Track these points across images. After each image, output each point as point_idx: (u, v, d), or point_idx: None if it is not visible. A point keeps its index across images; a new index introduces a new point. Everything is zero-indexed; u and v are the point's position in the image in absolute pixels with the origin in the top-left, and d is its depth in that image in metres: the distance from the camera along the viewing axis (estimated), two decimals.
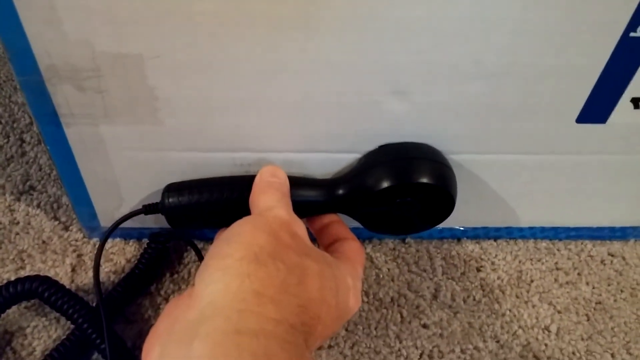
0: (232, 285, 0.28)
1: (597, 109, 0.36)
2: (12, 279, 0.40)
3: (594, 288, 0.45)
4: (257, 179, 0.36)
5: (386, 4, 0.30)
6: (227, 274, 0.28)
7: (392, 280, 0.44)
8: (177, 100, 0.35)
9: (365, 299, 0.42)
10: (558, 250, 0.47)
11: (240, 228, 0.31)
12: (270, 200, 0.34)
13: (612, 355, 0.41)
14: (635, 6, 0.30)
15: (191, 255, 0.44)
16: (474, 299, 0.43)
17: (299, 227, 0.33)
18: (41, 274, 0.41)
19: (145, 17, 0.30)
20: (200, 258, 0.42)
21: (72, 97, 0.34)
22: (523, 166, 0.40)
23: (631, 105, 0.36)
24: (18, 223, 0.45)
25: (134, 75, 0.33)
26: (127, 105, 0.35)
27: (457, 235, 0.46)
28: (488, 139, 0.38)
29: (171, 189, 0.38)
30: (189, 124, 0.36)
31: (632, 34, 0.32)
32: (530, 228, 0.46)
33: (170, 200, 0.37)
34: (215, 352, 0.25)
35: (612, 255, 0.47)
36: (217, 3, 0.30)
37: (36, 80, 0.33)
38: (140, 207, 0.39)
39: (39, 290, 0.37)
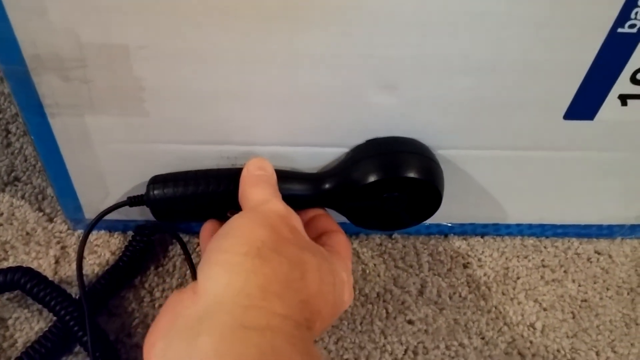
0: (237, 281, 0.28)
1: (584, 105, 0.36)
2: None
3: (580, 286, 0.45)
4: (244, 172, 0.35)
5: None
6: (231, 270, 0.28)
7: (378, 275, 0.44)
8: (163, 92, 0.34)
9: None
10: (545, 247, 0.47)
11: (240, 223, 0.31)
12: (262, 193, 0.34)
13: (597, 354, 0.41)
14: (622, 1, 0.30)
15: (176, 248, 0.43)
16: (460, 296, 0.43)
17: (297, 220, 0.33)
18: (24, 265, 0.41)
19: (131, 6, 0.30)
20: (186, 251, 0.41)
21: (57, 88, 0.34)
22: (510, 162, 0.40)
23: (619, 102, 0.36)
24: (2, 214, 0.44)
25: (120, 66, 0.33)
26: (112, 96, 0.35)
27: (444, 232, 0.46)
28: (475, 135, 0.38)
29: (156, 180, 0.37)
30: (175, 116, 0.36)
31: (619, 30, 0.32)
32: (518, 225, 0.46)
33: (155, 192, 0.37)
34: (221, 347, 0.25)
35: (599, 253, 0.47)
36: None
37: (21, 69, 0.33)
38: (125, 199, 0.38)
39: (22, 282, 0.37)
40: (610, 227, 0.47)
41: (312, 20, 0.31)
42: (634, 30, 0.32)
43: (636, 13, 0.31)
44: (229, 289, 0.28)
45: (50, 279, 0.38)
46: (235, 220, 0.31)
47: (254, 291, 0.27)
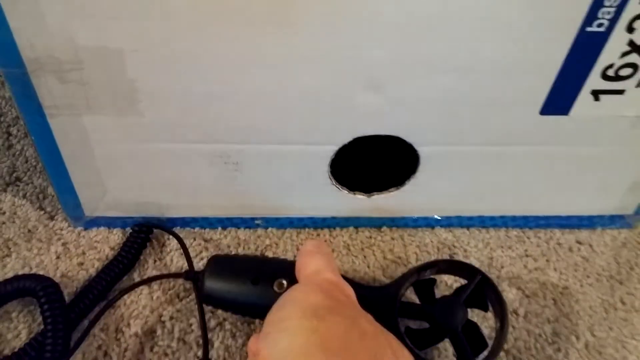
0: (297, 342, 0.28)
1: (559, 101, 0.38)
2: None
3: (561, 274, 0.47)
4: (301, 249, 0.36)
5: (359, 1, 0.32)
6: (290, 333, 0.29)
7: (368, 266, 0.45)
8: (157, 93, 0.36)
9: None
10: (528, 238, 0.48)
11: (294, 294, 0.32)
12: (316, 264, 0.34)
13: (577, 337, 0.43)
14: (590, 2, 0.32)
15: (173, 243, 0.45)
16: (446, 284, 0.45)
17: (350, 289, 0.34)
18: (27, 262, 0.43)
19: (125, 11, 0.32)
20: (183, 246, 0.43)
21: (55, 89, 0.36)
22: (491, 157, 0.42)
23: (592, 97, 0.38)
24: (4, 213, 0.46)
25: (115, 68, 0.35)
26: (108, 97, 0.36)
27: (431, 224, 0.48)
28: (457, 131, 0.40)
29: (213, 271, 0.38)
30: (168, 116, 0.38)
31: (588, 29, 0.33)
32: (502, 217, 0.48)
33: (212, 286, 0.38)
34: None
35: (580, 243, 0.49)
36: (191, 1, 0.31)
37: (20, 72, 0.34)
38: (122, 197, 0.40)
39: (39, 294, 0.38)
40: (590, 217, 0.48)
41: (300, 24, 0.33)
42: (602, 29, 0.33)
43: (603, 13, 0.33)
44: (291, 351, 0.28)
45: (52, 274, 0.40)
46: (288, 293, 0.32)
47: (315, 350, 0.28)
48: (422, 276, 0.40)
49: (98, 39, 0.33)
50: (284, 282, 0.37)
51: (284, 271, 0.37)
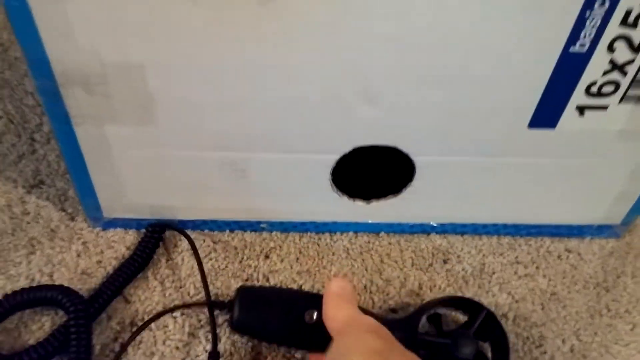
0: None
1: (546, 115, 0.41)
2: (24, 262, 0.46)
3: (550, 280, 0.49)
4: (326, 295, 0.37)
5: (357, 21, 0.35)
6: None
7: (366, 269, 0.48)
8: (172, 104, 0.39)
9: None
10: (519, 245, 0.51)
11: (345, 342, 0.33)
12: (349, 309, 0.35)
13: (563, 341, 0.46)
14: (572, 25, 0.35)
15: (184, 244, 0.48)
16: (440, 288, 0.48)
17: (384, 328, 0.35)
18: (50, 259, 0.46)
19: (145, 30, 0.35)
20: (193, 246, 0.46)
21: (82, 101, 0.39)
22: (483, 167, 0.45)
23: (577, 113, 0.41)
24: (29, 213, 0.50)
25: (136, 81, 0.38)
26: (129, 108, 0.40)
27: (426, 231, 0.51)
28: (450, 143, 0.43)
29: (244, 302, 0.41)
30: (181, 125, 0.41)
31: (571, 49, 0.36)
32: (494, 224, 0.51)
33: (243, 316, 0.41)
34: None
35: (569, 251, 0.51)
36: (205, 20, 0.35)
37: (51, 85, 0.38)
38: (137, 200, 0.43)
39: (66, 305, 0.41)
40: (579, 227, 0.51)
41: (302, 42, 0.36)
42: (584, 49, 0.36)
43: (585, 34, 0.36)
44: None
45: (73, 271, 0.43)
46: (338, 343, 0.33)
47: None
48: (435, 310, 0.44)
49: (121, 55, 0.37)
50: (314, 313, 0.40)
51: (313, 303, 0.40)
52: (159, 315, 0.43)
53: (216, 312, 0.44)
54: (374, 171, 0.47)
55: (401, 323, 0.43)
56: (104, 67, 0.37)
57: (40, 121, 0.57)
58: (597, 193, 0.48)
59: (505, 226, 0.51)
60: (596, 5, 0.34)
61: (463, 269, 0.49)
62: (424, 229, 0.51)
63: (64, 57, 0.37)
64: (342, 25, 0.35)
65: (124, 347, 0.41)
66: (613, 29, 0.35)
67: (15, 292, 0.41)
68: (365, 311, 0.38)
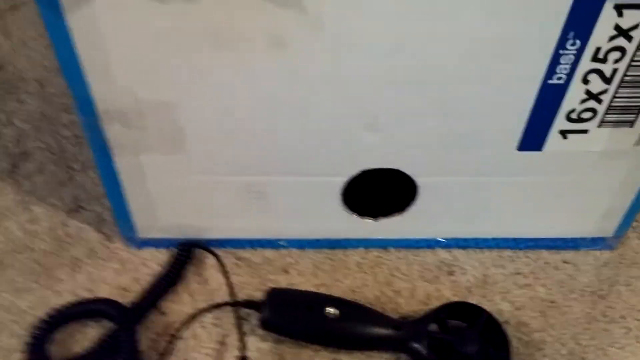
0: None
1: (533, 139, 0.45)
2: (68, 280, 0.51)
3: (548, 289, 0.53)
4: None
5: (361, 62, 0.40)
6: None
7: (377, 282, 0.53)
8: (200, 135, 0.45)
9: (353, 297, 0.51)
10: (519, 257, 0.55)
11: None
12: None
13: (562, 344, 0.49)
14: (548, 62, 0.40)
15: (211, 260, 0.53)
16: (446, 298, 0.52)
17: None
18: (92, 277, 0.51)
19: (174, 73, 0.41)
20: (220, 262, 0.51)
21: (120, 134, 0.44)
22: (479, 186, 0.49)
23: (560, 136, 0.45)
24: (71, 235, 0.55)
25: (168, 116, 0.43)
26: (162, 139, 0.45)
27: (432, 245, 0.55)
28: (448, 165, 0.47)
29: (272, 302, 0.47)
30: (206, 153, 0.46)
31: (549, 81, 0.41)
32: (494, 239, 0.55)
33: (272, 314, 0.46)
34: None
35: (566, 262, 0.55)
36: (226, 63, 0.40)
37: (94, 120, 0.43)
38: (169, 221, 0.49)
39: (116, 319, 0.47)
40: (574, 239, 0.55)
41: (312, 79, 0.41)
42: (562, 81, 0.41)
43: (560, 69, 0.40)
44: None
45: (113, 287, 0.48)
46: None
47: None
48: (442, 313, 0.48)
49: (155, 93, 0.42)
50: (333, 310, 0.46)
51: (333, 302, 0.46)
52: (194, 315, 0.48)
53: (243, 320, 0.48)
54: (382, 191, 0.52)
55: (412, 324, 0.47)
56: (139, 104, 0.42)
57: (77, 151, 0.63)
58: (587, 208, 0.52)
59: (505, 240, 0.55)
60: (568, 45, 0.38)
61: (467, 280, 0.53)
62: (430, 244, 0.55)
63: (105, 97, 0.42)
64: (345, 66, 0.40)
65: (164, 354, 0.46)
66: (585, 63, 0.40)
67: (68, 305, 0.46)
68: (381, 314, 0.43)
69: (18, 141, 0.63)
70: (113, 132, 0.44)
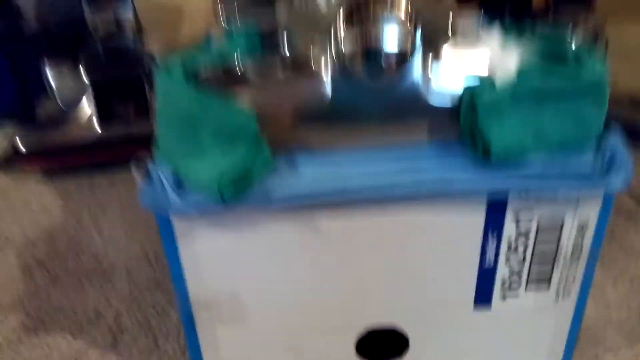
0: None
1: (482, 302, 0.66)
2: None
3: None
4: None
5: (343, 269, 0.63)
6: None
7: None
8: (260, 313, 0.66)
9: None
10: None
11: None
12: None
13: None
14: (479, 250, 0.62)
15: None
16: None
17: None
18: None
19: (247, 276, 0.64)
20: None
21: (212, 316, 0.66)
22: (457, 337, 0.69)
23: (501, 299, 0.66)
24: None
25: (239, 307, 0.65)
26: (232, 318, 0.67)
27: None
28: (427, 326, 0.68)
29: None
30: (261, 325, 0.67)
31: (484, 267, 0.63)
32: None
33: None
34: None
35: None
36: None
37: (189, 311, 0.66)
38: None
39: None
40: None
41: (315, 284, 0.64)
42: (491, 266, 0.63)
43: (487, 260, 0.62)
44: None
45: None
46: None
47: None
48: None
49: (229, 288, 0.65)
50: None
51: None
52: None
53: None
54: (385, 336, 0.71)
55: None
56: (217, 295, 0.65)
57: (156, 322, 0.84)
58: (535, 353, 0.71)
59: None
60: (489, 242, 0.61)
61: None
62: None
63: (197, 291, 0.65)
64: (335, 275, 0.63)
65: None
66: (503, 257, 0.62)
67: None
68: None
69: (114, 318, 0.86)
70: (199, 316, 0.66)
